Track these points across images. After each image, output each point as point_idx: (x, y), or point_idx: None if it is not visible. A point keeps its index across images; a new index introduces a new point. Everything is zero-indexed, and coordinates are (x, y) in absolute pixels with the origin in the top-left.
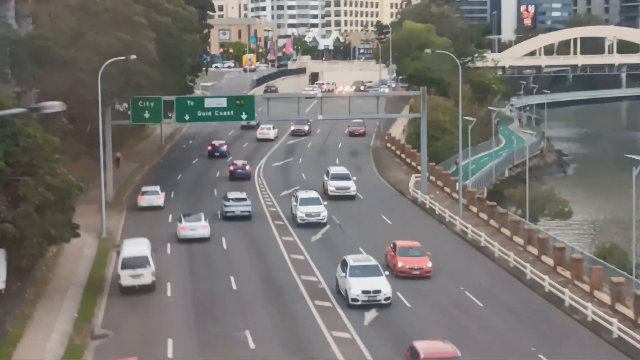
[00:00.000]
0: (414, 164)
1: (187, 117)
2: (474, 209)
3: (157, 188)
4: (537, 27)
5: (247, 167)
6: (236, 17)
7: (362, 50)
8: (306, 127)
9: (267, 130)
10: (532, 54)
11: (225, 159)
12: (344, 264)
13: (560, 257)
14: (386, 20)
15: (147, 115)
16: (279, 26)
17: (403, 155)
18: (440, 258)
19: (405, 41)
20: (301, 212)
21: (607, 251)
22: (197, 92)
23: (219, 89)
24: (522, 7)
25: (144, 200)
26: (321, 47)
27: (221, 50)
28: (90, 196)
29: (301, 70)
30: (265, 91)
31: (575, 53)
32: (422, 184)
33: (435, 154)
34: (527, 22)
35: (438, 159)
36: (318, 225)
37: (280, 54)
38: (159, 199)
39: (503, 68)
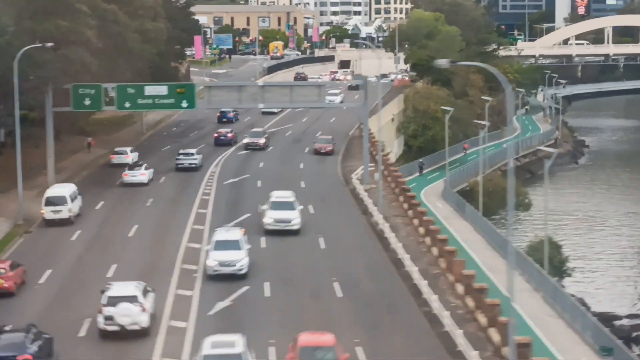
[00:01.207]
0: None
1: (127, 105)
2: (402, 199)
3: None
4: (591, 15)
5: (230, 135)
6: (276, 5)
7: None
8: (262, 140)
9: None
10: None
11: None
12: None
13: (441, 248)
14: None
15: (87, 102)
16: (322, 14)
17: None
18: (338, 249)
19: (413, 30)
20: (269, 217)
21: (540, 244)
22: (205, 79)
23: (230, 77)
24: None
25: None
26: (363, 34)
27: (251, 38)
28: (38, 182)
29: (329, 58)
30: (296, 78)
31: (608, 42)
32: (364, 175)
33: (430, 143)
34: (581, 10)
35: (436, 148)
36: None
37: (318, 42)
38: (142, 175)
39: (534, 57)
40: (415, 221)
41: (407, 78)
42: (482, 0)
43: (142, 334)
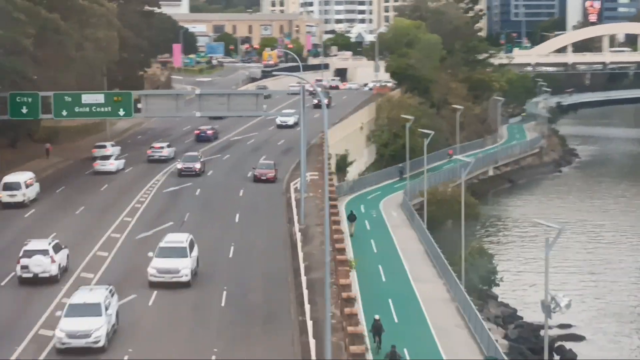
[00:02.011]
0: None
1: (64, 113)
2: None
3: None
4: (603, 22)
5: (210, 132)
6: (278, 13)
7: None
8: (197, 165)
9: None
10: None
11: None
12: None
13: (335, 257)
14: None
15: (25, 110)
16: (326, 21)
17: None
18: (244, 257)
19: (394, 38)
20: (152, 267)
21: (477, 251)
22: (187, 87)
23: (214, 85)
24: (588, 3)
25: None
26: (367, 42)
27: (247, 46)
28: None
29: (323, 67)
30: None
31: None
32: (301, 184)
33: (402, 151)
34: (593, 18)
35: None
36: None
37: (312, 50)
38: (111, 165)
39: (530, 65)
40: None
41: (387, 86)
42: (494, 8)
43: (52, 281)
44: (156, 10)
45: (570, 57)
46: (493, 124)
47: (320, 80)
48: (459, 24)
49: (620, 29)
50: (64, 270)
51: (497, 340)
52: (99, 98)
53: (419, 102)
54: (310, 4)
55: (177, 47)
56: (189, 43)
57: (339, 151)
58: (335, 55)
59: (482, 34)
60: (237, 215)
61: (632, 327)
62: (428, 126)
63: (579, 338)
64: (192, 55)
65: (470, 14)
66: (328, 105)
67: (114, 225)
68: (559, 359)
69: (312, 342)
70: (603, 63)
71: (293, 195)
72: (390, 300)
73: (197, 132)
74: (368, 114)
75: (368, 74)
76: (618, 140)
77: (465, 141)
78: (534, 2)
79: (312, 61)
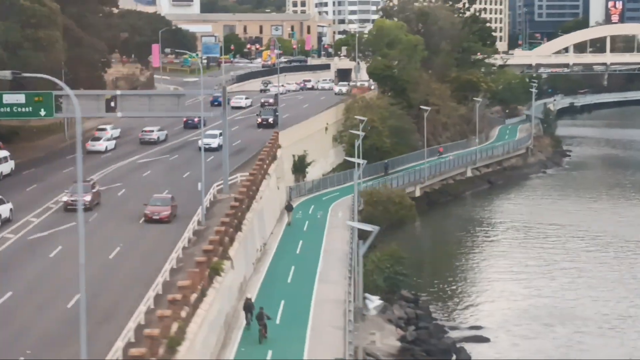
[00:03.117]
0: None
1: None
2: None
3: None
4: (625, 23)
5: (196, 120)
6: (290, 13)
7: None
8: (88, 197)
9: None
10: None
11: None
12: None
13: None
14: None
15: None
16: (341, 22)
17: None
18: (123, 259)
19: (375, 39)
20: None
21: (390, 253)
22: (170, 87)
23: (198, 85)
24: (610, 3)
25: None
26: None
27: (249, 46)
28: None
29: (323, 67)
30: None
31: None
32: (224, 187)
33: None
34: (615, 18)
35: (383, 157)
36: None
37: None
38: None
39: (530, 66)
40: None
41: (366, 86)
42: (518, 8)
43: None
44: (115, 10)
45: (571, 59)
46: (480, 125)
47: (309, 81)
48: (444, 25)
49: (621, 30)
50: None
51: (374, 342)
52: (20, 98)
53: (390, 103)
54: (325, 4)
55: (155, 47)
56: (190, 44)
57: (298, 152)
58: (338, 56)
59: (503, 34)
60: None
61: (541, 329)
62: (396, 127)
63: (484, 339)
64: (186, 56)
65: (467, 14)
66: (274, 124)
67: None
68: (454, 359)
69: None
70: (604, 64)
71: (211, 197)
72: (282, 302)
73: (185, 119)
74: (335, 115)
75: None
76: (621, 142)
77: (448, 142)
78: (558, 2)
79: (312, 61)
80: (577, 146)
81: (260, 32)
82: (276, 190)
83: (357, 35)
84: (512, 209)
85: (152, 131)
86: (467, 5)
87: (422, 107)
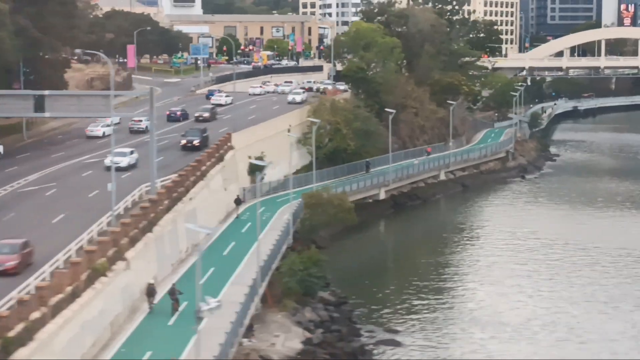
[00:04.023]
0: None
1: None
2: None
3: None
4: (637, 26)
5: (179, 113)
6: (292, 15)
7: None
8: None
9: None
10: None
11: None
12: None
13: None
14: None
15: None
16: (344, 23)
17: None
18: None
19: (352, 41)
20: None
21: (308, 256)
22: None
23: (179, 86)
24: (622, 7)
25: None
26: None
27: (242, 47)
28: None
29: (315, 68)
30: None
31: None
32: (151, 189)
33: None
34: (627, 21)
35: (352, 159)
36: None
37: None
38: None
39: (523, 69)
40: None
41: (341, 88)
42: (531, 11)
43: None
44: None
45: (564, 62)
46: (460, 128)
47: (290, 82)
48: (425, 27)
49: (615, 34)
50: None
51: (274, 344)
52: None
53: (357, 106)
54: (329, 6)
55: (131, 48)
56: (181, 44)
57: (255, 154)
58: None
59: (514, 36)
60: None
61: (459, 333)
62: (362, 130)
63: (395, 343)
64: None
65: (456, 17)
66: (200, 147)
67: None
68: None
69: None
70: (598, 68)
71: (131, 198)
72: (185, 303)
73: (168, 112)
74: (299, 116)
75: None
76: (616, 146)
77: (425, 144)
78: (571, 5)
79: (305, 63)
80: (568, 150)
81: (261, 33)
82: (222, 192)
83: (326, 37)
84: (480, 213)
85: (141, 121)
86: (456, 7)
87: (387, 109)
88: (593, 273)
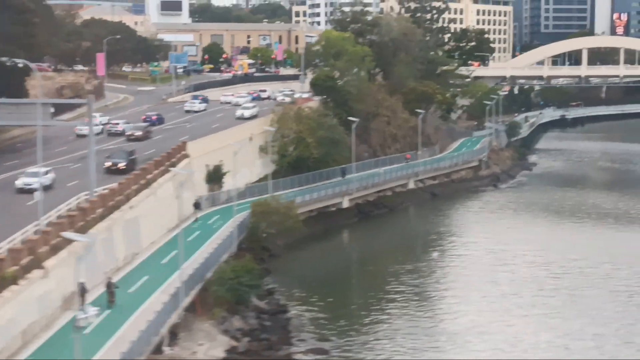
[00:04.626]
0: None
1: None
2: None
3: None
4: (629, 35)
5: (154, 117)
6: (280, 23)
7: None
8: None
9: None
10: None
11: None
12: None
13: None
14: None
15: None
16: None
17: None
18: None
19: (322, 50)
20: None
21: (242, 265)
22: (119, 96)
23: (152, 94)
24: (615, 15)
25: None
26: None
27: (225, 55)
28: None
29: (295, 77)
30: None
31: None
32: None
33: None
34: (620, 30)
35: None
36: None
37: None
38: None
39: (504, 78)
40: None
41: (304, 96)
42: (524, 20)
43: None
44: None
45: (546, 71)
46: (433, 136)
47: (264, 91)
48: (397, 36)
49: (598, 42)
50: None
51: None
52: None
53: (324, 114)
54: (318, 15)
55: (100, 56)
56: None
57: (214, 162)
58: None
59: (507, 45)
60: None
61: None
62: (327, 138)
63: (322, 352)
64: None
65: (435, 26)
66: (127, 170)
67: None
68: None
69: None
70: (579, 77)
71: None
72: (108, 311)
73: (143, 117)
74: (262, 125)
75: None
76: (597, 156)
77: (397, 153)
78: (564, 14)
79: (285, 71)
80: (548, 159)
81: (248, 41)
82: (173, 200)
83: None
84: (447, 222)
85: (118, 124)
86: (435, 15)
87: (350, 118)
88: (551, 279)
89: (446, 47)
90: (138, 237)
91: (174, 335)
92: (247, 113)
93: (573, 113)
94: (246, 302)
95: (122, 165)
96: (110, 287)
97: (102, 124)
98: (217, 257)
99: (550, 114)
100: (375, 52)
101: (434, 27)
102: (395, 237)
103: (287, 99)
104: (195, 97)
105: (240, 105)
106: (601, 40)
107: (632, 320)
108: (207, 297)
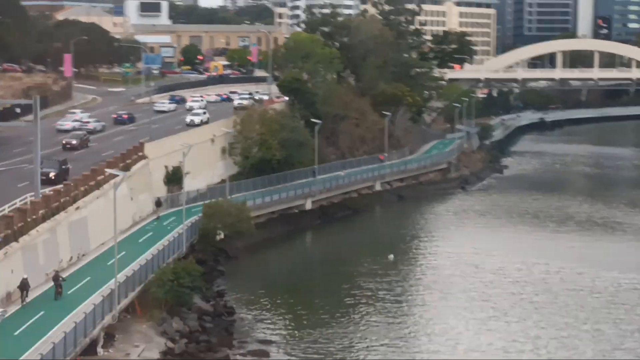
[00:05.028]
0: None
1: None
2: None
3: None
4: (613, 38)
5: (125, 116)
6: (258, 24)
7: None
8: None
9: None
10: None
11: None
12: None
13: None
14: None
15: None
16: None
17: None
18: None
19: (290, 52)
20: None
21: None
22: (88, 97)
23: (121, 95)
24: (599, 20)
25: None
26: None
27: (199, 57)
28: None
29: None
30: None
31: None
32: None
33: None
34: (603, 33)
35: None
36: None
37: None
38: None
39: (479, 80)
40: None
41: (265, 98)
42: (508, 22)
43: None
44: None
45: (520, 73)
46: (403, 138)
47: (234, 92)
48: (366, 39)
49: (571, 46)
50: None
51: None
52: None
53: (289, 116)
54: (298, 17)
55: (67, 57)
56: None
57: (173, 163)
58: None
59: (491, 48)
60: None
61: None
62: (292, 140)
63: (264, 354)
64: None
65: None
66: (57, 180)
67: None
68: None
69: None
70: (553, 79)
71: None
72: (42, 312)
73: (115, 115)
74: (225, 126)
75: None
76: (571, 158)
77: (365, 155)
78: (547, 17)
79: (259, 73)
80: (521, 162)
81: (227, 43)
82: (127, 201)
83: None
84: (412, 224)
85: (89, 122)
86: (409, 18)
87: (313, 120)
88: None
89: (424, 50)
90: (86, 238)
91: (110, 336)
92: (197, 119)
93: (552, 116)
94: (188, 304)
95: (52, 174)
96: (57, 279)
97: (82, 122)
98: (163, 259)
99: (529, 116)
100: (345, 54)
101: (408, 29)
102: (357, 240)
103: (245, 102)
104: (173, 98)
105: (192, 109)
106: (575, 43)
107: (579, 323)
108: (148, 299)
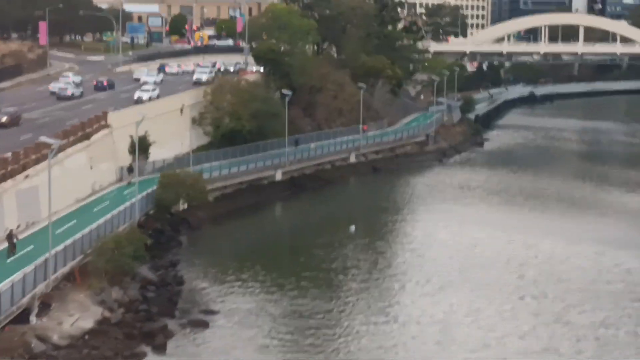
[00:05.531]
0: None
1: None
2: None
3: None
4: (607, 14)
5: (105, 82)
6: None
7: None
8: None
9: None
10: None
11: None
12: None
13: None
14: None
15: None
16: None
17: None
18: None
19: (267, 22)
20: None
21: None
22: (65, 65)
23: (99, 64)
24: None
25: None
26: None
27: (186, 26)
28: None
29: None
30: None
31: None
32: None
33: (236, 134)
34: (597, 7)
35: (254, 139)
36: None
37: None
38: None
39: (464, 54)
40: None
41: (253, 70)
42: None
43: None
44: None
45: (505, 47)
46: (382, 111)
47: (215, 63)
48: (345, 10)
49: (556, 20)
50: None
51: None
52: None
53: (257, 87)
54: None
55: (42, 25)
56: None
57: (140, 133)
58: None
59: (486, 22)
60: None
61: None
62: (261, 111)
63: (203, 324)
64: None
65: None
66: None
67: None
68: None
69: None
70: (537, 53)
71: None
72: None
73: (95, 82)
74: (195, 96)
75: None
76: (557, 132)
77: (341, 127)
78: None
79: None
80: (504, 136)
81: (218, 13)
82: (86, 170)
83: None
84: (386, 196)
85: (67, 89)
86: None
87: (283, 91)
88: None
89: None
90: (37, 207)
91: (46, 305)
92: (145, 96)
93: (542, 90)
94: (131, 273)
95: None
96: (10, 238)
97: (76, 84)
98: (111, 228)
99: (519, 90)
100: (324, 26)
101: (390, 2)
102: (326, 211)
103: (204, 77)
104: (162, 67)
105: (144, 84)
106: (560, 17)
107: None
108: (90, 268)
